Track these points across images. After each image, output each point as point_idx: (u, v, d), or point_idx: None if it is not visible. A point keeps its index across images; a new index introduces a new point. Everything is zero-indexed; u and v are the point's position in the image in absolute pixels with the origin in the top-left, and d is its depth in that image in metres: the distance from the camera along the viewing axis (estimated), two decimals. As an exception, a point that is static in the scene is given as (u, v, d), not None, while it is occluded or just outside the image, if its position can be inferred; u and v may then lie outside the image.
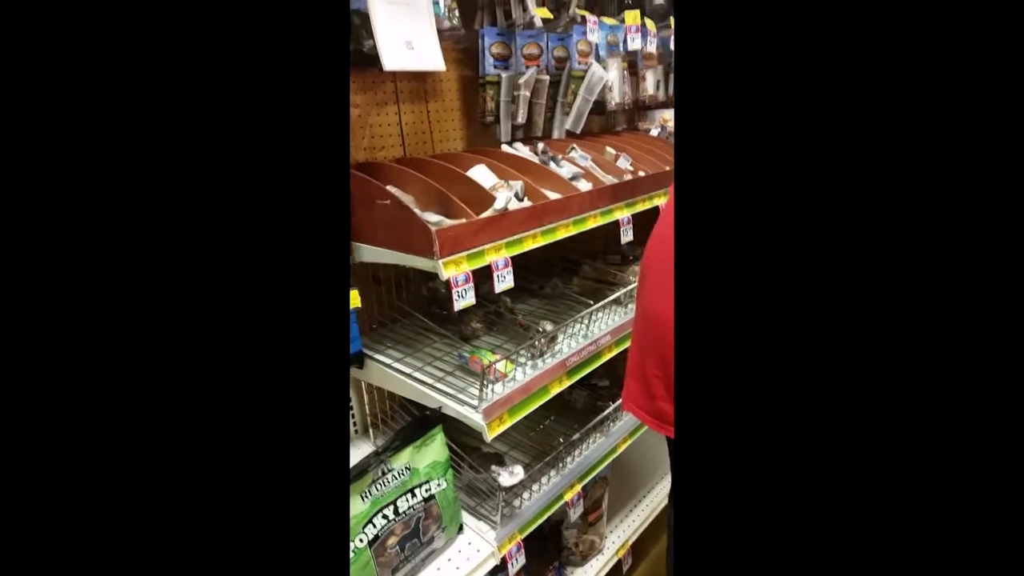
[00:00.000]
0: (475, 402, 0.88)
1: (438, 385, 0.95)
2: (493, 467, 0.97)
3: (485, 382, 0.88)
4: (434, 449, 0.89)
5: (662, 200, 1.22)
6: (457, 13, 1.04)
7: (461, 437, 1.10)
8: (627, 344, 1.16)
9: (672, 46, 1.49)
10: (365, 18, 0.89)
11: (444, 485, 0.90)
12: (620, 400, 1.21)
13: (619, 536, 1.39)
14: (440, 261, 0.80)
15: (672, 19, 1.48)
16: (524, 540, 1.01)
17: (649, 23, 1.40)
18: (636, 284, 1.29)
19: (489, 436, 0.87)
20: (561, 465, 1.10)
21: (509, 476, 0.93)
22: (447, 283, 0.81)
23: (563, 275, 1.37)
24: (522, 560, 1.00)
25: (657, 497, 1.52)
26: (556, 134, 1.33)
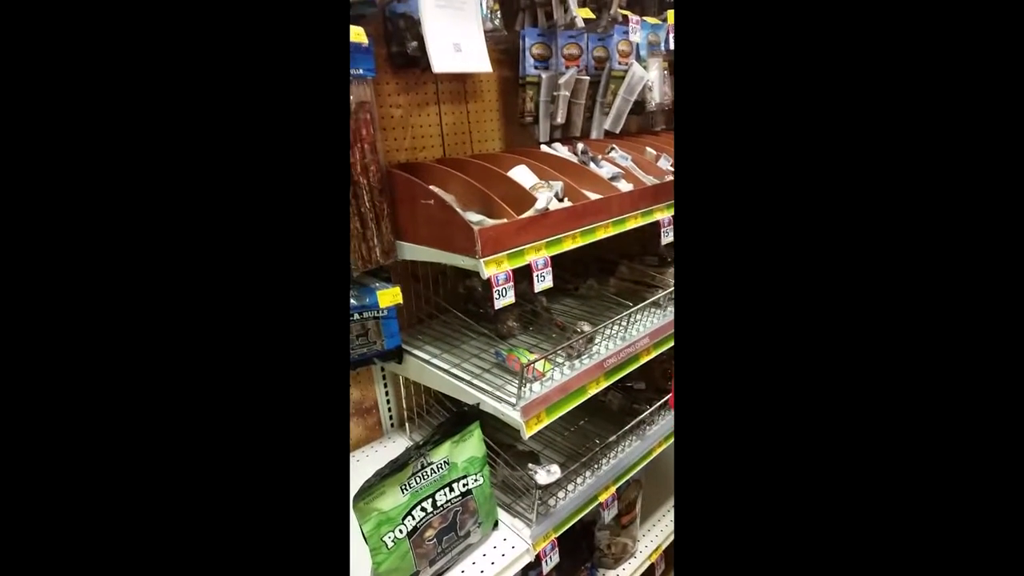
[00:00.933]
0: (513, 400, 0.89)
1: (475, 382, 0.97)
2: (530, 465, 0.98)
3: (524, 381, 0.89)
4: (472, 444, 0.91)
5: (703, 201, 1.20)
6: (499, 15, 1.05)
7: (496, 435, 1.11)
8: (665, 347, 1.14)
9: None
10: (409, 20, 0.92)
11: (481, 481, 0.91)
12: (656, 404, 1.20)
13: (652, 540, 1.38)
14: (482, 260, 0.81)
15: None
16: (557, 539, 1.01)
17: (691, 21, 1.38)
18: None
19: (527, 434, 0.87)
20: (596, 466, 1.10)
21: (547, 475, 0.93)
22: (487, 282, 0.82)
23: (599, 275, 1.36)
24: (556, 559, 1.00)
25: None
26: (595, 134, 1.33)
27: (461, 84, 1.19)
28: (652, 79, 1.33)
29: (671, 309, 1.20)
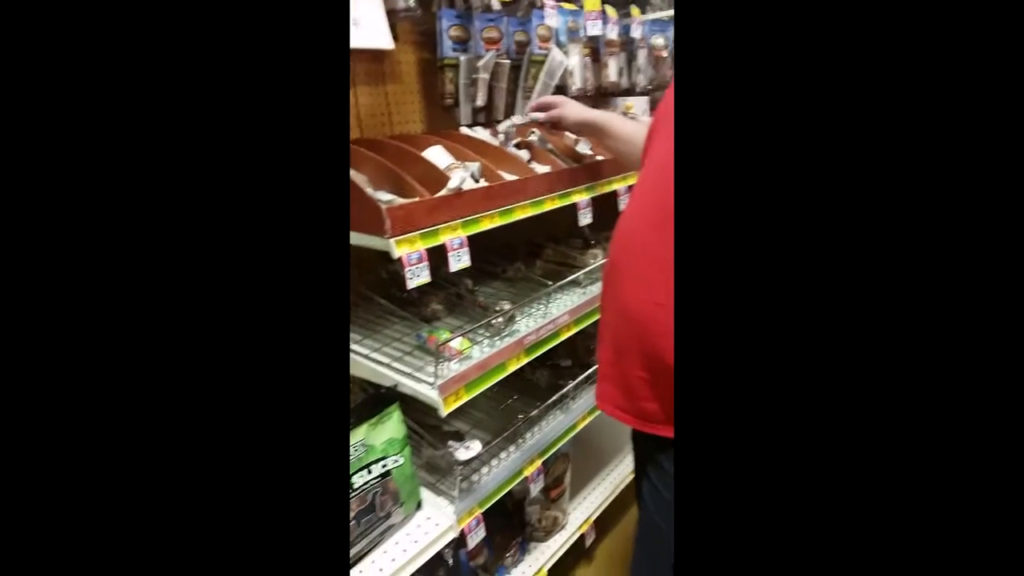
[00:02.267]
0: (431, 379, 0.90)
1: (395, 365, 0.97)
2: (450, 443, 0.99)
3: (440, 360, 0.90)
4: (391, 426, 0.91)
5: (621, 185, 1.25)
6: (414, -6, 1.04)
7: (425, 418, 1.11)
8: (586, 323, 1.19)
9: (633, 33, 1.51)
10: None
11: (401, 462, 0.91)
12: (579, 378, 1.24)
13: (582, 512, 1.43)
14: (392, 240, 0.81)
15: (632, 7, 1.50)
16: (485, 515, 1.04)
17: (610, 10, 1.42)
18: (597, 266, 1.32)
19: (444, 411, 0.88)
20: (521, 441, 1.13)
21: (466, 451, 0.95)
22: (399, 261, 0.82)
23: (527, 258, 1.39)
24: (482, 533, 1.03)
25: (621, 473, 1.56)
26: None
27: (379, 65, 1.17)
28: (573, 65, 1.36)
29: (591, 288, 1.24)
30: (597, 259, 1.31)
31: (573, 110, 1.09)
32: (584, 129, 1.11)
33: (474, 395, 0.94)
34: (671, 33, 1.57)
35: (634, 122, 1.09)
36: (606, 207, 1.21)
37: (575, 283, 1.23)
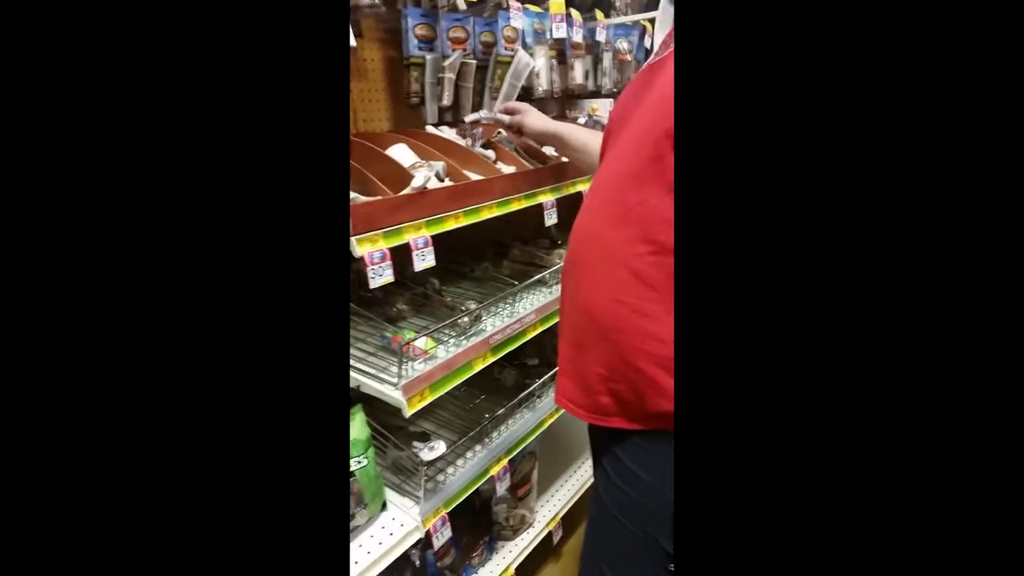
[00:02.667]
0: (395, 380, 0.89)
1: (358, 365, 0.95)
2: (414, 443, 0.99)
3: (404, 359, 0.89)
4: (354, 428, 0.90)
5: (584, 186, 1.27)
6: (377, -9, 1.03)
7: (390, 419, 1.10)
8: (552, 322, 1.20)
9: (599, 36, 1.53)
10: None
11: (365, 463, 0.90)
12: (546, 376, 1.26)
13: (550, 510, 1.45)
14: (354, 238, 0.80)
15: (597, 11, 1.53)
16: (452, 515, 1.03)
17: (575, 14, 1.44)
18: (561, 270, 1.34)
19: (408, 412, 0.88)
20: (487, 440, 1.13)
21: (429, 451, 0.95)
22: (362, 260, 0.81)
23: (494, 258, 1.40)
24: (448, 534, 1.02)
25: (588, 470, 1.59)
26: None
27: (343, 61, 1.15)
28: (538, 66, 1.37)
29: (557, 287, 1.26)
30: (562, 259, 1.32)
31: (535, 119, 1.11)
32: (544, 139, 1.13)
33: (440, 395, 0.94)
34: (635, 37, 1.61)
35: (589, 131, 1.13)
36: (571, 207, 1.23)
37: (542, 282, 1.24)
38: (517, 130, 1.13)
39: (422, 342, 0.94)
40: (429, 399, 0.93)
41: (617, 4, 1.63)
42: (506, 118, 1.13)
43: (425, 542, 0.99)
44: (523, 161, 1.19)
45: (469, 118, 1.15)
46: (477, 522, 1.31)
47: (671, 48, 0.68)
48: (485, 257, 1.39)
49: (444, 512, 1.02)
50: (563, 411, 1.30)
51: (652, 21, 1.55)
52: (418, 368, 0.92)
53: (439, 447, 0.96)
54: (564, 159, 1.25)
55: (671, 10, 1.51)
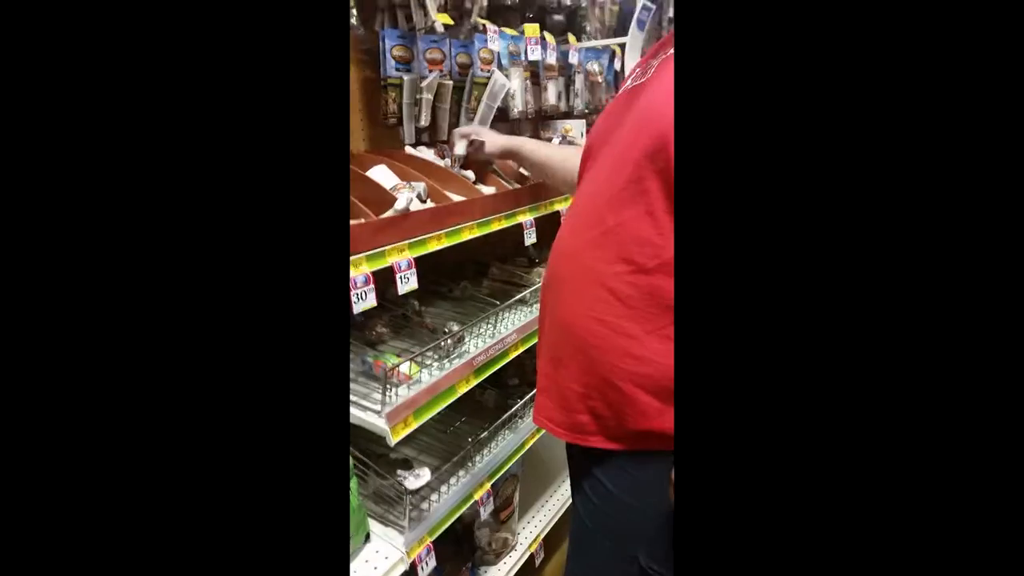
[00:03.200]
0: (378, 407, 0.87)
1: (340, 391, 0.92)
2: (399, 471, 0.96)
3: (388, 385, 0.87)
4: (336, 457, 0.86)
5: (563, 205, 1.28)
6: (355, 12, 1.02)
7: (370, 445, 1.07)
8: (533, 341, 1.20)
9: (571, 59, 1.57)
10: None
11: (347, 494, 0.87)
12: (527, 396, 1.25)
13: (532, 531, 1.43)
14: (337, 262, 0.78)
15: (569, 35, 1.57)
16: (435, 543, 1.01)
17: (549, 37, 1.47)
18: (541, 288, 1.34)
19: (393, 440, 0.85)
20: (470, 464, 1.11)
21: (415, 479, 0.92)
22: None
23: (474, 278, 1.39)
24: (432, 563, 0.99)
25: (568, 489, 1.58)
26: (461, 139, 1.35)
27: (318, 81, 1.13)
28: (514, 88, 1.39)
29: (537, 306, 1.26)
30: (543, 277, 1.33)
31: (491, 138, 1.13)
32: (503, 154, 1.15)
33: (423, 421, 0.92)
34: (605, 60, 1.66)
35: (547, 146, 1.16)
36: (549, 226, 1.24)
37: (522, 302, 1.24)
38: (477, 150, 1.14)
39: (406, 367, 0.92)
40: (413, 426, 0.90)
41: (588, 29, 1.67)
42: (463, 148, 1.13)
43: (410, 573, 0.96)
44: (502, 181, 1.19)
45: (457, 152, 1.14)
46: (459, 548, 1.28)
47: (648, 75, 0.71)
48: (464, 277, 1.38)
49: (429, 541, 0.99)
50: (543, 432, 1.30)
51: (622, 46, 1.60)
52: (402, 394, 0.90)
53: (424, 475, 0.93)
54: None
55: (641, 36, 1.57)
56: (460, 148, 1.12)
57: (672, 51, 0.69)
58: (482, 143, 1.12)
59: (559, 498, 1.55)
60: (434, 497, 1.02)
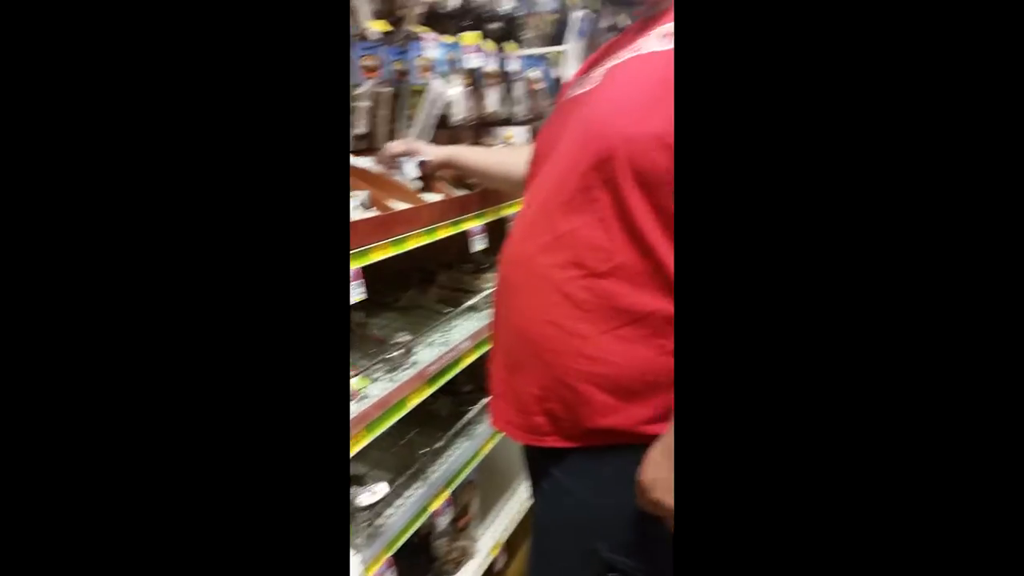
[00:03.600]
0: (327, 423, 0.84)
1: (285, 411, 0.89)
2: (352, 489, 0.93)
3: (337, 401, 0.84)
4: (283, 480, 0.83)
5: (510, 211, 1.30)
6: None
7: (318, 464, 1.03)
8: (486, 347, 1.20)
9: (510, 66, 1.59)
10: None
11: (297, 517, 0.83)
12: (481, 402, 1.25)
13: (491, 536, 1.43)
14: (276, 277, 0.75)
15: (507, 43, 1.59)
16: (394, 557, 0.98)
17: (488, 44, 1.48)
18: (493, 290, 1.34)
19: (345, 457, 0.83)
20: (425, 475, 1.09)
21: (370, 495, 0.90)
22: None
23: (420, 286, 1.37)
24: (392, 580, 0.97)
25: (527, 492, 1.59)
26: (402, 146, 1.33)
27: (247, 87, 1.08)
28: (453, 95, 1.39)
29: (488, 311, 1.26)
30: (491, 283, 1.34)
31: (428, 151, 1.13)
32: (442, 165, 1.15)
33: (375, 436, 0.90)
34: (544, 67, 1.69)
35: (484, 151, 1.17)
36: (497, 232, 1.25)
37: (472, 308, 1.24)
38: (427, 165, 1.14)
39: (355, 381, 0.90)
40: (364, 442, 0.88)
41: (526, 37, 1.70)
42: (415, 171, 1.14)
43: (368, 593, 0.93)
44: (448, 188, 1.19)
45: (410, 176, 1.13)
46: (416, 561, 1.26)
47: (591, 84, 0.73)
48: (410, 286, 1.36)
49: (386, 556, 0.96)
50: (500, 436, 1.30)
51: (561, 53, 1.64)
52: (353, 409, 0.87)
53: (380, 489, 0.91)
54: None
55: (581, 44, 1.61)
56: (412, 171, 1.12)
57: (615, 60, 0.71)
58: (428, 161, 1.12)
59: (519, 499, 1.56)
60: (389, 511, 1.00)
